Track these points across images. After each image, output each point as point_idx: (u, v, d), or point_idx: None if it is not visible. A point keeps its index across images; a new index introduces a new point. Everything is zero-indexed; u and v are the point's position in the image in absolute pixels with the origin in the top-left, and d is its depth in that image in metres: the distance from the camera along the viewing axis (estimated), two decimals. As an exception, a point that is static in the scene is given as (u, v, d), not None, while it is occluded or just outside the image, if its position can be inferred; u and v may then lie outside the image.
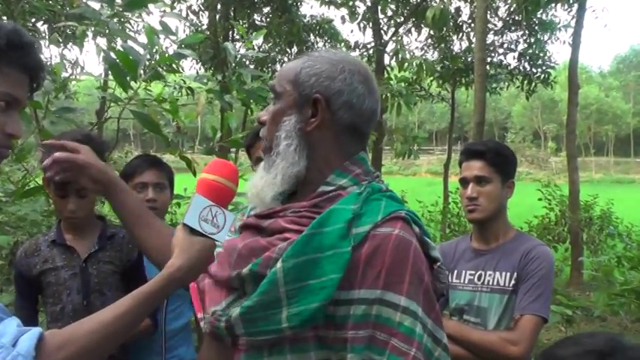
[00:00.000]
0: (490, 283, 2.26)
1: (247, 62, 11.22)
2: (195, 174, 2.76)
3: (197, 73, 11.07)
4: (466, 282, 2.33)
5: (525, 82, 13.03)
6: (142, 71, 2.56)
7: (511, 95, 53.19)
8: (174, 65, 2.92)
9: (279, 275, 1.18)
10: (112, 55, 2.36)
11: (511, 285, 2.21)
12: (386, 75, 10.71)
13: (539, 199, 10.27)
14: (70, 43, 10.03)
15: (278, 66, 13.39)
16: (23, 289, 2.21)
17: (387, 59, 11.52)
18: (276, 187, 1.29)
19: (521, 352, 2.09)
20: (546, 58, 12.73)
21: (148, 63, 2.61)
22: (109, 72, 2.59)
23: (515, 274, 2.21)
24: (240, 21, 11.66)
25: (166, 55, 2.58)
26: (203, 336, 2.50)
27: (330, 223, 1.21)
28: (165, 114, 2.63)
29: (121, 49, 2.57)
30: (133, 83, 2.64)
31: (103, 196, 1.71)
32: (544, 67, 12.78)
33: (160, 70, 2.97)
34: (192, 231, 1.24)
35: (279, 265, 1.19)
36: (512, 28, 12.94)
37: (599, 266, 8.49)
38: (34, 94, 3.21)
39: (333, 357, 1.21)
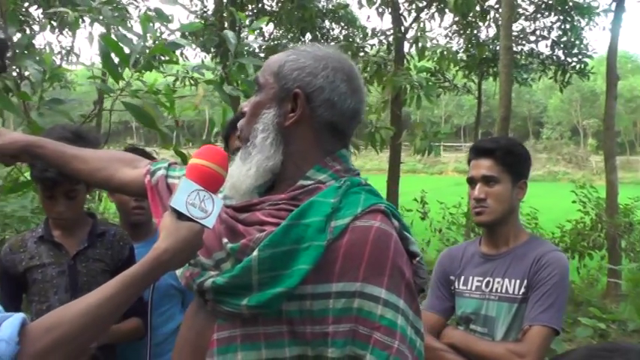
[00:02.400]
0: (498, 290, 2.29)
1: (257, 51, 11.28)
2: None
3: (202, 61, 11.15)
4: (473, 289, 2.36)
5: (559, 72, 12.90)
6: (135, 61, 2.64)
7: (547, 87, 52.59)
8: (171, 56, 2.99)
9: (253, 264, 1.27)
10: (104, 43, 2.44)
11: (521, 293, 2.23)
12: (406, 64, 10.71)
13: (574, 202, 10.20)
14: (66, 30, 10.22)
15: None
16: (7, 287, 2.27)
17: (407, 47, 11.51)
18: (250, 179, 1.38)
19: None
20: (583, 46, 12.59)
21: (145, 52, 2.69)
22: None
23: (526, 281, 2.23)
24: (249, 6, 11.71)
25: (163, 44, 2.65)
26: None
27: (309, 215, 1.30)
28: (160, 107, 2.70)
29: (114, 38, 2.65)
30: (127, 73, 2.72)
31: (28, 160, 1.87)
32: (580, 57, 12.64)
33: (157, 60, 3.05)
34: (180, 216, 1.29)
35: (255, 253, 1.28)
36: (545, 13, 12.79)
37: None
38: (22, 85, 3.30)
39: (309, 352, 1.28)
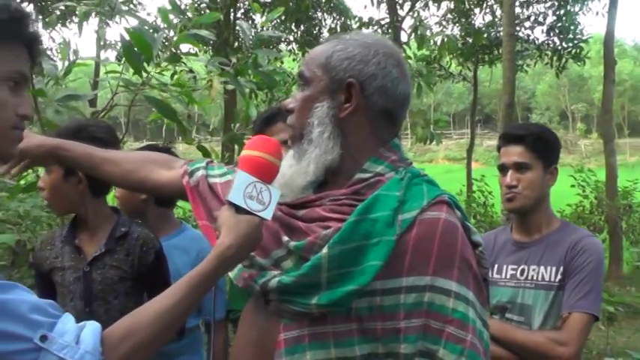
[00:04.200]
0: (534, 278, 2.26)
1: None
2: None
3: (197, 54, 11.04)
4: (508, 277, 2.33)
5: (555, 58, 12.94)
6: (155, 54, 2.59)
7: (535, 73, 52.68)
8: (190, 47, 2.94)
9: (323, 261, 1.24)
10: (126, 36, 2.39)
11: (557, 280, 2.20)
12: (403, 54, 10.65)
13: (572, 186, 10.21)
14: (59, 25, 10.13)
15: (283, 46, 13.37)
16: (40, 284, 2.21)
17: (404, 36, 11.48)
18: (308, 176, 1.34)
19: (571, 353, 2.08)
20: (577, 31, 12.63)
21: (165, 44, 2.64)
22: (121, 55, 2.62)
23: (562, 268, 2.20)
24: (244, -4, 11.61)
25: (185, 36, 2.60)
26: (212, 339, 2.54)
27: (377, 209, 1.27)
28: (182, 99, 2.65)
29: (134, 31, 2.59)
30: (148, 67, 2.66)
31: (55, 164, 1.87)
32: (575, 42, 12.68)
33: (176, 52, 3.00)
34: (238, 209, 1.27)
35: (324, 251, 1.24)
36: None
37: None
38: (35, 81, 3.23)
39: (380, 349, 1.25)
